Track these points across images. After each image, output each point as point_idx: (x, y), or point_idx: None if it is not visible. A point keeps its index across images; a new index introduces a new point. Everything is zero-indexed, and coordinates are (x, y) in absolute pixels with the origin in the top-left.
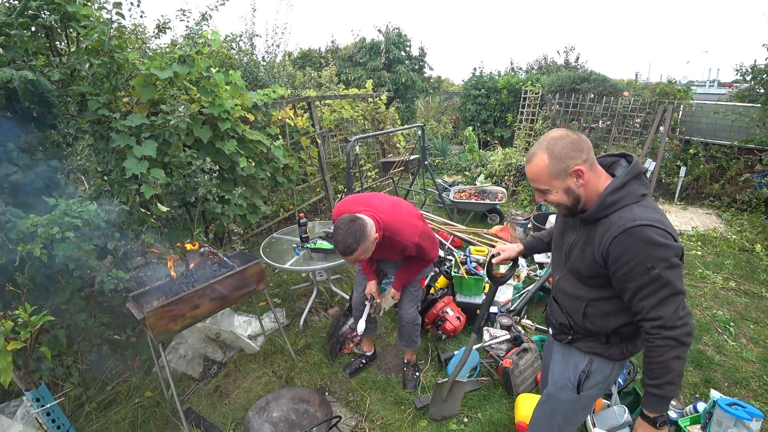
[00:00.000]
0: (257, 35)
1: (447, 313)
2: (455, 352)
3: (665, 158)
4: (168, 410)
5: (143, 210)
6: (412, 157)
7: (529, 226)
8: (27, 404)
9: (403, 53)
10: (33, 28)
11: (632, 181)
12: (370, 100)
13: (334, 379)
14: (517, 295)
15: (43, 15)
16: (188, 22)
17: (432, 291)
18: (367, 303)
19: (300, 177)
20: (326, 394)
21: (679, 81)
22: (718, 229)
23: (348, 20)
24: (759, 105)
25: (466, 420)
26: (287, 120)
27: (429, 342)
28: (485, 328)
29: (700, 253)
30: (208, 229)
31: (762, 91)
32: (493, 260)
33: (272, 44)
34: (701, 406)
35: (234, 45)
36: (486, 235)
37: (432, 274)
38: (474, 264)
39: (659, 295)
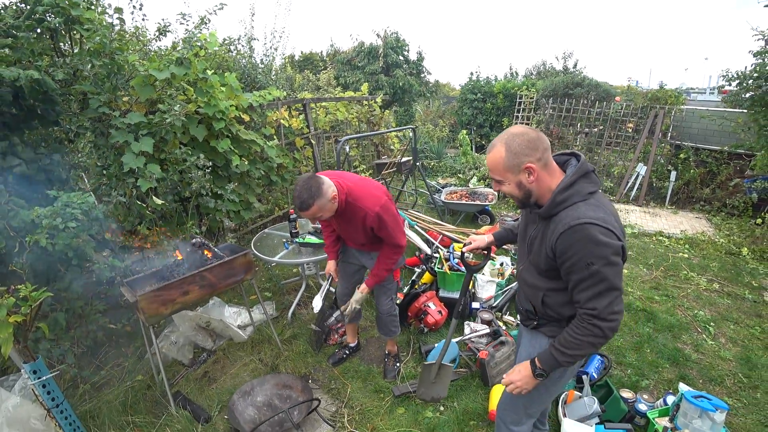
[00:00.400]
0: (255, 39)
1: (429, 306)
2: (435, 345)
3: (657, 163)
4: (158, 393)
5: (140, 203)
6: (405, 159)
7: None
8: (25, 377)
9: (401, 57)
10: (39, 31)
11: (580, 180)
12: (365, 102)
13: (318, 368)
14: (500, 292)
15: (48, 18)
16: (188, 25)
17: (416, 286)
18: (325, 282)
19: (295, 176)
20: (309, 381)
21: (678, 88)
22: (707, 232)
23: (347, 24)
24: (744, 110)
25: (442, 408)
26: (282, 121)
27: (411, 335)
28: (466, 322)
29: (686, 255)
30: (202, 223)
31: (747, 96)
32: (464, 249)
33: (270, 47)
34: (671, 400)
35: (233, 48)
36: (474, 235)
37: (419, 271)
38: (457, 260)
39: (596, 289)
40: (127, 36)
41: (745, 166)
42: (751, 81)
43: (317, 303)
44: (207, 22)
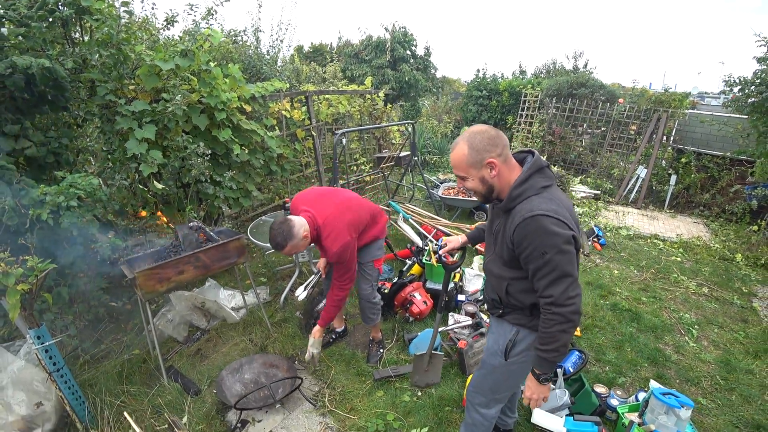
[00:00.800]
0: (261, 31)
1: (414, 297)
2: (418, 333)
3: (658, 166)
4: (152, 366)
5: (141, 186)
6: (404, 153)
7: None
8: (29, 342)
9: (408, 52)
10: (50, 20)
11: (534, 175)
12: (368, 96)
13: (305, 351)
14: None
15: (59, 8)
16: (195, 16)
17: (404, 277)
18: (313, 276)
19: (296, 167)
20: (296, 362)
21: (688, 91)
22: (703, 237)
23: (356, 17)
24: (746, 116)
25: (420, 394)
26: (283, 112)
27: (396, 323)
28: (450, 314)
29: (679, 259)
30: (200, 208)
31: (749, 102)
32: (440, 251)
33: (276, 39)
34: (642, 396)
35: (239, 39)
36: (447, 237)
37: (410, 263)
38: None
39: (551, 276)
40: (135, 26)
41: (747, 173)
42: (753, 87)
43: (300, 293)
44: (214, 13)
